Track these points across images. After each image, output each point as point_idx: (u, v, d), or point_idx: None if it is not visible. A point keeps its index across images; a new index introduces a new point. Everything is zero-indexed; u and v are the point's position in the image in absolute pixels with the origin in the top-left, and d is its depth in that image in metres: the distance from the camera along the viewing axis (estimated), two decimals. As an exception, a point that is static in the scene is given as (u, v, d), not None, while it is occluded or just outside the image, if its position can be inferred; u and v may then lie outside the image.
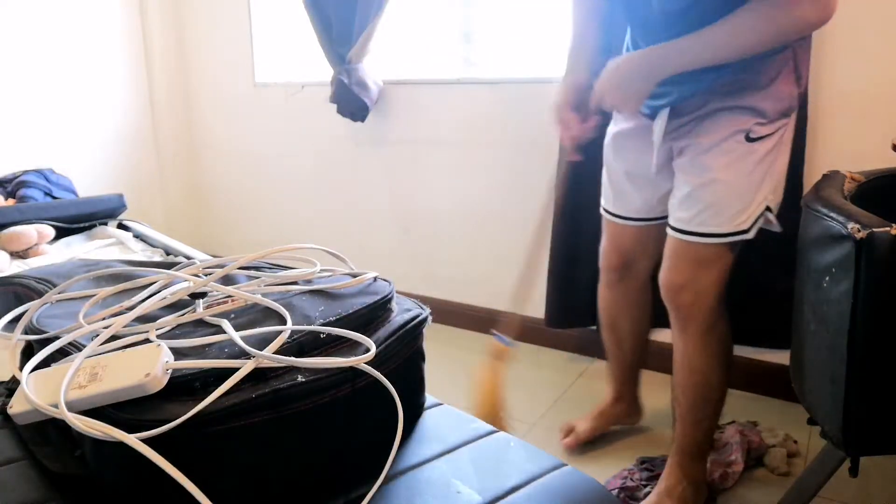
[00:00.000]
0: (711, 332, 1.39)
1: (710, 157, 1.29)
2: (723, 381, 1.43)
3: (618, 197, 1.55)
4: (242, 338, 0.74)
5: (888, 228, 0.89)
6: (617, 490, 1.53)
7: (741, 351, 2.03)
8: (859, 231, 0.91)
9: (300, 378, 0.71)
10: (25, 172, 2.17)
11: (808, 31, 1.20)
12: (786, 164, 1.33)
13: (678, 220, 1.35)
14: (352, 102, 2.50)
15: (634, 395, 1.77)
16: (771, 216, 1.33)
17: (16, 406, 0.71)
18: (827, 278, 0.99)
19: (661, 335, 1.72)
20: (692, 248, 1.34)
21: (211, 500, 0.62)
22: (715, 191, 1.29)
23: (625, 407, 1.77)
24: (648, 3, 1.27)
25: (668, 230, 1.39)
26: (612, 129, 1.54)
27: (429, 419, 0.90)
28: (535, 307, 2.33)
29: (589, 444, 1.74)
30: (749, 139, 1.26)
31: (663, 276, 1.40)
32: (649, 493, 1.47)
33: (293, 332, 0.76)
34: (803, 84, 1.32)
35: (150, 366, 0.67)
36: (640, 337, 1.71)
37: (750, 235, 1.31)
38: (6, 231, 1.77)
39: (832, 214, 0.98)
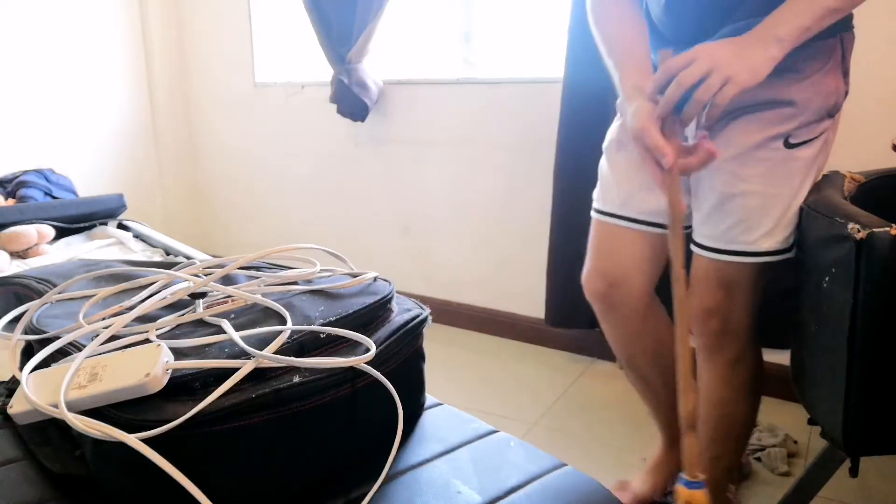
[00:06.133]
0: (739, 363, 1.24)
1: (741, 164, 1.10)
2: (748, 417, 1.30)
3: (610, 190, 1.28)
4: (242, 338, 0.74)
5: (888, 228, 0.89)
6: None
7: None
8: (859, 231, 0.90)
9: (300, 378, 0.71)
10: (25, 172, 2.16)
11: None
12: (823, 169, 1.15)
13: (704, 236, 1.18)
14: (352, 102, 2.50)
15: None
16: None
17: (16, 406, 0.71)
18: (827, 279, 0.99)
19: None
20: (720, 268, 1.17)
21: (211, 500, 0.62)
22: (747, 204, 1.11)
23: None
24: None
25: (694, 248, 1.21)
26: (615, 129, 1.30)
27: (429, 419, 0.90)
28: (535, 307, 2.33)
29: (589, 443, 1.73)
30: (789, 145, 1.08)
31: (693, 300, 1.22)
32: None
33: (293, 332, 0.76)
34: (849, 81, 1.13)
35: (150, 366, 0.67)
36: (669, 370, 1.20)
37: (787, 255, 1.13)
38: (6, 231, 1.77)
39: (832, 215, 0.98)
